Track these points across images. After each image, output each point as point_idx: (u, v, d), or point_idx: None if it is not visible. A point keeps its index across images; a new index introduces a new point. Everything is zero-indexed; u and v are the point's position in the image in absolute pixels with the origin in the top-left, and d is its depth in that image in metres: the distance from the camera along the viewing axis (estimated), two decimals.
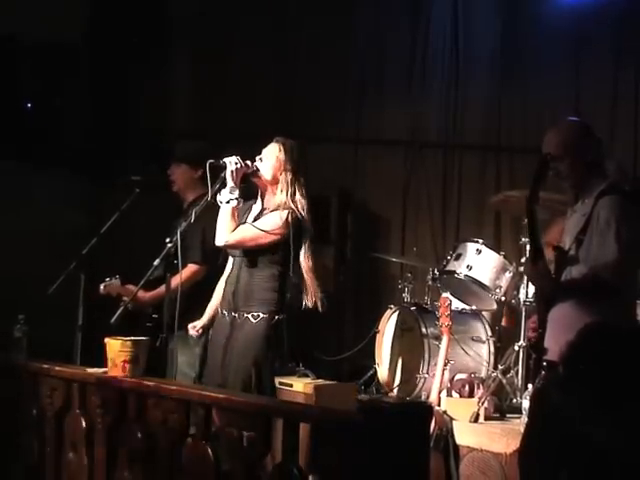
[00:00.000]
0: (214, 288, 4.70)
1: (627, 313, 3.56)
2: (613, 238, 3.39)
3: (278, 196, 4.22)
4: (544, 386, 3.56)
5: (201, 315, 4.58)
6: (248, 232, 4.19)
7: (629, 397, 1.77)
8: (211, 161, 4.17)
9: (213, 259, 4.71)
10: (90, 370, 3.86)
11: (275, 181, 4.24)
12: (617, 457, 1.80)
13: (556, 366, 3.40)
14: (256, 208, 4.37)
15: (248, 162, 4.22)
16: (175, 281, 4.23)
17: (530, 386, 4.84)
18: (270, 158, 4.24)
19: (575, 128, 3.76)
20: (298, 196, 4.20)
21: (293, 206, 4.17)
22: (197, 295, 4.62)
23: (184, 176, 5.13)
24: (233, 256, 4.34)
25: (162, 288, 4.42)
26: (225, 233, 4.19)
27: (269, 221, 4.19)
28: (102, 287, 4.90)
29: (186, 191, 5.14)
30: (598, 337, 1.89)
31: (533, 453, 3.54)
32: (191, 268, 4.81)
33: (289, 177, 4.20)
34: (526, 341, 4.98)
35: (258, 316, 4.16)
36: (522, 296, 5.28)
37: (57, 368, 4.00)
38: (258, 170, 4.24)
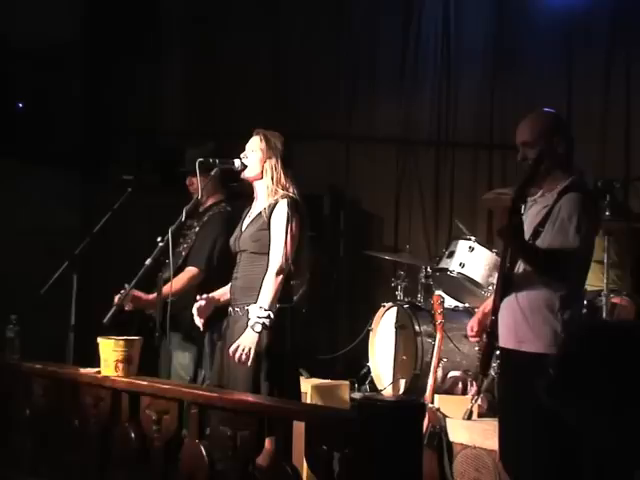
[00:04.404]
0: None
1: (576, 304, 3.61)
2: (574, 229, 3.44)
3: (266, 180, 4.14)
4: (521, 382, 3.55)
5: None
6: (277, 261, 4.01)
7: (629, 398, 1.76)
8: (200, 160, 4.18)
9: (216, 270, 4.67)
10: (83, 370, 3.85)
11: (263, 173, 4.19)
12: (610, 457, 1.80)
13: (509, 353, 3.52)
14: (253, 210, 4.27)
15: (236, 160, 4.21)
16: (173, 283, 4.16)
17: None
18: (254, 151, 4.19)
19: (551, 118, 3.72)
20: (285, 179, 4.13)
21: (284, 190, 4.10)
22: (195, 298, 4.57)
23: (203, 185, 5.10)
24: (236, 252, 4.22)
25: (164, 291, 4.30)
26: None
27: (278, 228, 4.03)
28: (126, 307, 4.42)
29: (206, 198, 5.11)
30: (601, 336, 1.87)
31: (523, 453, 3.55)
32: (191, 271, 4.74)
33: (273, 162, 4.16)
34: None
35: None
36: None
37: (50, 368, 3.99)
38: (245, 167, 4.21)
